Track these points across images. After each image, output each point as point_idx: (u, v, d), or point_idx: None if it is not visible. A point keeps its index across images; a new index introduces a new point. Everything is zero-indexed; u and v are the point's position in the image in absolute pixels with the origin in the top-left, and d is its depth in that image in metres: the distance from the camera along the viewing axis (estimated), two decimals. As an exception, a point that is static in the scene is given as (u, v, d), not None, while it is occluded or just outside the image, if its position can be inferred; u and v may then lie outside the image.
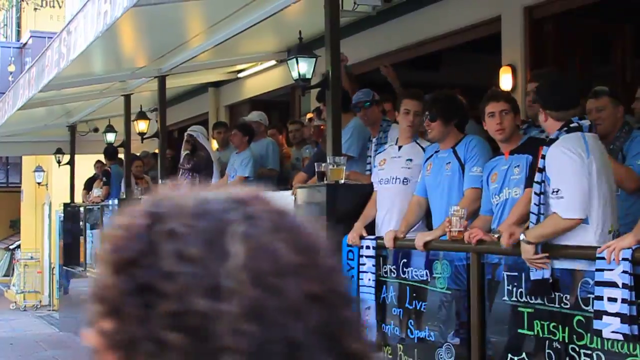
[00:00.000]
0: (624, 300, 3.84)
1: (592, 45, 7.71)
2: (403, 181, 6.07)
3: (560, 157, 4.35)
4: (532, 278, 4.40)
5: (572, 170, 4.29)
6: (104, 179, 13.57)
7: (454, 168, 5.56)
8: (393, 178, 6.13)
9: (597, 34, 7.83)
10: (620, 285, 3.85)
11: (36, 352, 13.63)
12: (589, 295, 4.12)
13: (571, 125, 4.49)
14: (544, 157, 4.42)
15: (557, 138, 4.44)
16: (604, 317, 3.92)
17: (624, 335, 3.84)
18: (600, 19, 7.71)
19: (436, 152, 5.72)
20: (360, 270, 6.03)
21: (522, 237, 4.34)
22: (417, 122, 6.06)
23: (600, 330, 3.95)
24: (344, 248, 6.23)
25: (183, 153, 10.56)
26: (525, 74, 7.03)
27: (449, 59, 9.41)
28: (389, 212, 6.11)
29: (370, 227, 6.17)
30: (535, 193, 4.45)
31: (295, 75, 7.11)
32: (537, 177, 4.45)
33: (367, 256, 5.98)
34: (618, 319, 3.86)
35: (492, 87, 5.93)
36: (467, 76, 8.56)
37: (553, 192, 4.33)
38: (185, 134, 10.51)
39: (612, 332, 3.89)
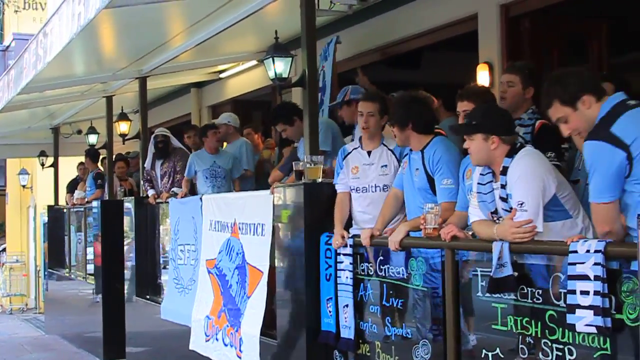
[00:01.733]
0: (596, 293, 3.85)
1: (568, 43, 7.73)
2: (383, 188, 6.08)
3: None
4: (494, 277, 4.42)
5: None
6: (99, 181, 13.53)
7: (420, 176, 5.57)
8: (371, 186, 6.13)
9: (574, 32, 7.85)
10: (592, 278, 3.86)
11: (21, 354, 13.62)
12: (560, 290, 4.14)
13: (517, 146, 4.67)
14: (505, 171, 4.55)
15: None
16: (577, 310, 3.92)
17: (597, 327, 3.84)
18: (576, 16, 7.73)
19: (410, 150, 5.73)
20: (338, 268, 6.05)
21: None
22: (372, 123, 6.08)
23: (574, 325, 3.95)
24: (322, 247, 6.26)
25: (151, 156, 10.52)
26: (501, 71, 7.05)
27: (428, 57, 9.42)
28: (367, 214, 6.12)
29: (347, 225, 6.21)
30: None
31: (271, 74, 7.14)
32: (502, 192, 4.58)
33: (344, 254, 6.00)
34: (591, 312, 3.86)
35: (469, 84, 5.92)
36: (445, 74, 8.57)
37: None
38: (156, 135, 10.48)
39: (586, 325, 3.89)
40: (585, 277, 3.90)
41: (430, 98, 6.67)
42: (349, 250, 5.97)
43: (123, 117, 12.59)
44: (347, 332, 5.99)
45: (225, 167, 9.60)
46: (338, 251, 6.05)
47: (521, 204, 4.40)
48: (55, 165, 16.59)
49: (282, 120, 7.64)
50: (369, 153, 6.17)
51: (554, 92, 4.22)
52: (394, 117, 5.70)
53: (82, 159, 14.77)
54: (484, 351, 4.65)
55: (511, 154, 4.60)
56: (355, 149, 6.27)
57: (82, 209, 13.90)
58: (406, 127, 5.62)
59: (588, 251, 3.90)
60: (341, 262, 6.03)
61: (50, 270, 16.40)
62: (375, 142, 6.18)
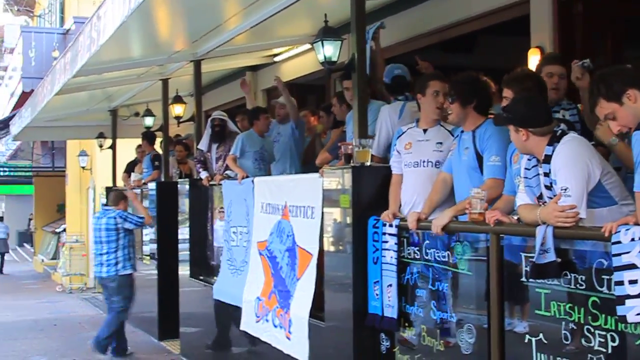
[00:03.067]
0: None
1: (623, 27, 7.60)
2: (435, 164, 6.09)
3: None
4: (537, 262, 4.42)
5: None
6: (156, 162, 13.70)
7: (470, 156, 5.59)
8: (424, 161, 6.14)
9: (629, 16, 7.72)
10: (640, 266, 3.84)
11: (79, 332, 13.88)
12: (603, 277, 4.12)
13: (557, 134, 4.63)
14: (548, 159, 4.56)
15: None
16: (627, 300, 3.90)
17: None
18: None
19: (461, 131, 5.74)
20: (383, 248, 6.07)
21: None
22: (443, 101, 6.10)
23: (625, 316, 3.93)
24: (369, 230, 6.28)
25: (207, 138, 10.62)
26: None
27: (481, 42, 9.36)
28: (418, 195, 6.12)
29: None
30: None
31: (321, 57, 7.17)
32: (545, 180, 4.59)
33: (389, 234, 6.03)
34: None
35: (515, 69, 5.89)
36: (498, 59, 8.49)
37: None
38: (213, 119, 10.58)
39: (637, 314, 3.88)
40: (632, 267, 3.88)
41: (489, 82, 6.64)
42: (394, 230, 5.99)
43: (178, 99, 12.73)
44: (391, 312, 6.02)
45: (270, 152, 9.72)
46: (384, 231, 6.07)
47: (565, 189, 4.39)
48: (113, 147, 16.83)
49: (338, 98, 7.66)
50: (424, 131, 6.20)
51: (598, 91, 4.27)
52: (457, 93, 5.70)
53: (139, 141, 14.95)
54: (527, 336, 4.65)
55: (553, 142, 4.58)
56: (411, 128, 6.31)
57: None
58: (469, 105, 5.65)
59: (633, 239, 3.88)
60: (386, 242, 6.06)
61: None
62: (432, 122, 6.21)
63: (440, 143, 6.10)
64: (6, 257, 31.66)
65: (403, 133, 6.34)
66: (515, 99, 4.93)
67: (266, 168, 9.66)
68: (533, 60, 7.15)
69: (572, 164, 4.45)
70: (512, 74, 5.41)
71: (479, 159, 5.54)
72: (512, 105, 4.85)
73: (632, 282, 3.88)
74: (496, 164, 5.40)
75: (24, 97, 20.62)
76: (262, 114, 9.81)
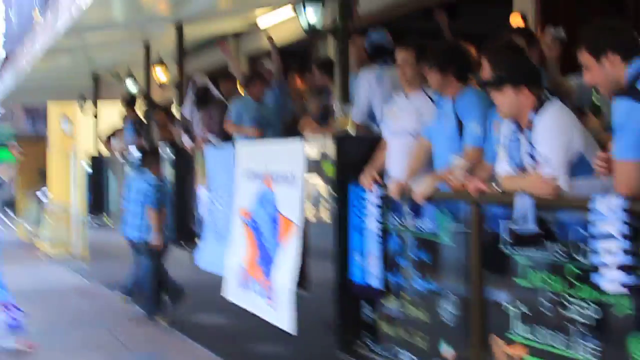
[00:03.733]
0: (622, 251, 3.82)
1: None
2: (414, 133, 6.06)
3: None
4: (517, 231, 4.42)
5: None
6: (139, 127, 13.61)
7: (450, 124, 5.57)
8: (404, 130, 6.13)
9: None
10: (617, 236, 3.83)
11: (64, 301, 13.82)
12: (581, 246, 4.12)
13: (543, 99, 4.62)
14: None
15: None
16: (602, 269, 3.91)
17: (624, 286, 3.82)
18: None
19: (440, 100, 5.72)
20: (366, 216, 6.06)
21: None
22: (408, 71, 6.08)
23: (599, 285, 3.94)
24: (350, 198, 6.26)
25: (190, 103, 10.56)
26: (536, 23, 6.96)
27: (463, 7, 9.29)
28: (399, 164, 6.11)
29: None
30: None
31: (302, 21, 7.10)
32: (528, 147, 4.56)
33: (372, 202, 6.01)
34: (617, 271, 3.84)
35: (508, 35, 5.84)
36: (481, 25, 8.45)
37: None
38: (194, 82, 10.51)
39: (612, 282, 3.88)
40: (609, 236, 3.88)
41: (468, 48, 6.61)
42: (377, 200, 5.98)
43: (160, 61, 12.62)
44: (374, 281, 6.02)
45: (268, 118, 9.65)
46: (366, 199, 6.06)
47: (546, 159, 4.38)
48: (95, 114, 16.72)
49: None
50: (407, 97, 6.19)
51: (585, 37, 4.21)
52: (435, 59, 5.67)
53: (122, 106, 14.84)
54: (507, 305, 4.65)
55: (537, 107, 4.56)
56: (399, 94, 6.29)
57: (122, 158, 13.99)
58: (447, 71, 5.61)
59: (610, 209, 3.87)
60: (369, 212, 6.04)
61: (93, 219, 16.61)
62: (415, 87, 6.17)
63: (421, 113, 6.06)
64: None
65: (392, 101, 6.33)
66: (513, 59, 4.88)
67: (264, 134, 9.59)
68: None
69: (554, 134, 4.44)
70: (491, 44, 5.38)
71: (460, 127, 5.51)
72: (512, 65, 4.79)
73: (608, 251, 3.88)
74: (476, 132, 5.38)
75: (6, 61, 20.46)
76: (258, 79, 9.73)
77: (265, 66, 10.66)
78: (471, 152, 5.33)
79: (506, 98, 4.70)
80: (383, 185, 6.03)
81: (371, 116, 7.02)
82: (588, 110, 5.64)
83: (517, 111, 4.67)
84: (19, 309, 9.88)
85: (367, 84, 6.94)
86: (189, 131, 10.56)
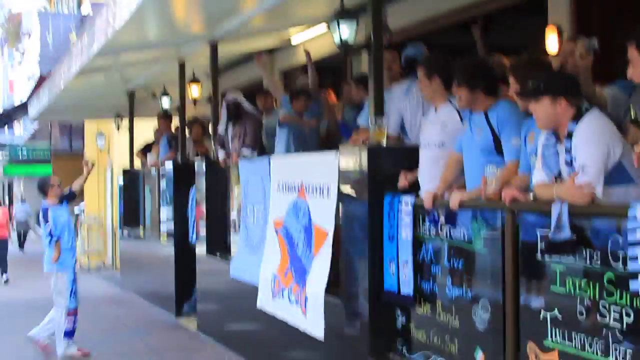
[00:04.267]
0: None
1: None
2: (439, 145, 6.14)
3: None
4: (552, 238, 4.45)
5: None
6: (173, 143, 13.75)
7: (485, 135, 5.60)
8: (431, 142, 6.21)
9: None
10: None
11: (97, 310, 13.95)
12: (617, 253, 4.14)
13: (582, 109, 4.62)
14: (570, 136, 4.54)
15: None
16: (640, 276, 3.94)
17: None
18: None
19: (470, 112, 5.77)
20: (399, 225, 6.11)
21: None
22: (423, 86, 6.33)
23: (638, 291, 3.96)
24: (385, 207, 6.32)
25: (225, 120, 10.69)
26: (571, 34, 6.98)
27: (498, 21, 9.32)
28: (427, 174, 6.19)
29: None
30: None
31: (337, 38, 7.18)
32: (567, 156, 4.58)
33: (405, 211, 6.07)
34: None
35: (533, 52, 5.91)
36: (516, 38, 8.48)
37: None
38: (227, 98, 10.63)
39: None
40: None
41: (502, 62, 6.66)
42: (410, 208, 6.04)
43: (194, 80, 12.76)
44: (406, 288, 6.07)
45: (308, 134, 9.82)
46: (400, 209, 6.12)
47: (583, 167, 4.41)
48: (130, 128, 16.91)
49: None
50: (436, 110, 6.29)
51: (636, 35, 4.29)
52: (463, 77, 5.73)
53: (156, 122, 14.99)
54: (542, 312, 4.67)
55: (577, 118, 4.59)
56: (431, 108, 6.40)
57: (156, 171, 14.15)
58: (476, 88, 5.67)
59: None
60: (402, 220, 6.10)
61: (126, 230, 16.79)
62: (440, 99, 6.26)
63: (446, 125, 6.13)
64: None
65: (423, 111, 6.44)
66: (550, 72, 4.92)
67: (302, 148, 9.69)
68: (550, 39, 7.14)
69: (592, 142, 4.46)
70: (516, 62, 5.45)
71: (495, 138, 5.55)
72: (547, 76, 4.84)
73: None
74: (517, 146, 5.42)
75: (42, 80, 20.74)
76: (302, 96, 9.88)
77: (300, 81, 10.77)
78: (514, 167, 5.37)
79: (544, 109, 4.74)
80: (416, 195, 6.09)
81: (403, 129, 7.11)
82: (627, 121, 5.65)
83: (555, 121, 4.70)
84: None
85: (397, 97, 7.03)
86: (223, 146, 10.68)
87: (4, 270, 19.41)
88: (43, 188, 10.39)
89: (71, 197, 10.98)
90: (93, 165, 11.86)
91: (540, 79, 4.80)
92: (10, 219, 29.41)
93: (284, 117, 9.81)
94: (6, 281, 19.15)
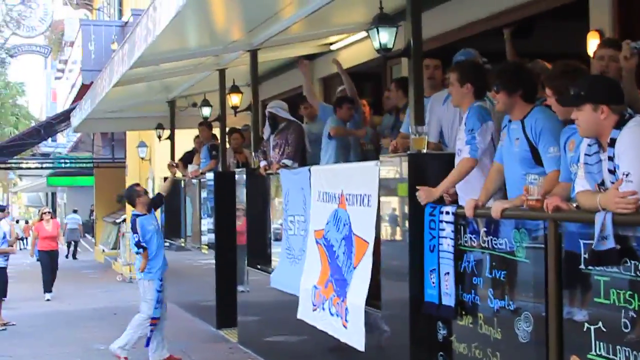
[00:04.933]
0: None
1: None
2: (458, 152, 6.22)
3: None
4: (596, 249, 4.35)
5: None
6: (214, 152, 13.77)
7: (522, 145, 5.55)
8: (456, 150, 6.32)
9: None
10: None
11: (139, 321, 14.00)
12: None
13: (625, 117, 4.50)
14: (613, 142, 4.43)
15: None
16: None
17: None
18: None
19: (509, 121, 5.72)
20: (440, 236, 6.03)
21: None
22: (436, 75, 6.72)
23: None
24: (426, 218, 6.24)
25: (267, 129, 10.72)
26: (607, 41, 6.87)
27: (539, 26, 9.21)
28: (462, 183, 6.22)
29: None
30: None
31: (376, 44, 7.14)
32: (609, 164, 4.48)
33: (446, 222, 5.99)
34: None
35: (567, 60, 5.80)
36: (557, 44, 8.38)
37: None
38: (267, 109, 10.66)
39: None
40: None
41: (545, 67, 6.57)
42: (451, 218, 5.96)
43: (234, 89, 12.79)
44: (448, 300, 5.99)
45: (353, 143, 9.78)
46: (440, 219, 6.04)
47: (627, 175, 4.30)
48: (171, 137, 16.98)
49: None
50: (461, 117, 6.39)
51: None
52: (502, 82, 5.68)
53: (197, 131, 15.03)
54: (586, 324, 4.57)
55: (619, 125, 4.49)
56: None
57: (197, 181, 14.18)
58: (515, 93, 5.62)
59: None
60: (443, 230, 6.03)
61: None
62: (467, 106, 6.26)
63: (470, 129, 6.12)
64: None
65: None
66: (590, 77, 4.82)
67: (348, 156, 9.63)
68: (593, 43, 7.03)
69: (636, 149, 4.35)
70: (551, 71, 5.38)
71: (532, 149, 5.48)
72: (588, 83, 4.73)
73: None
74: (556, 155, 5.34)
75: (84, 89, 20.91)
76: (345, 104, 9.84)
77: (340, 89, 10.74)
78: (555, 176, 5.29)
79: (585, 116, 4.63)
80: (458, 205, 6.02)
81: (443, 138, 7.06)
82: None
83: (597, 129, 4.59)
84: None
85: (436, 106, 6.99)
86: (266, 156, 10.67)
87: (48, 289, 18.84)
88: (130, 198, 10.51)
89: (159, 203, 11.06)
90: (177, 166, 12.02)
91: (582, 86, 4.70)
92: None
93: (336, 131, 9.73)
94: (48, 300, 18.50)
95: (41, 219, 19.54)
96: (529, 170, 5.48)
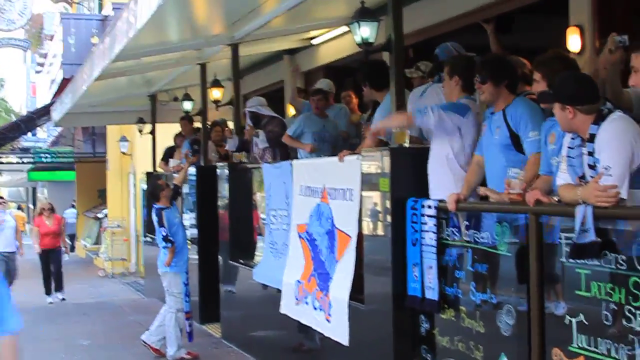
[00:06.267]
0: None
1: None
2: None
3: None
4: (577, 242, 4.38)
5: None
6: (195, 147, 13.74)
7: (502, 133, 5.63)
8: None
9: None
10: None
11: (121, 316, 14.02)
12: (644, 256, 4.08)
13: (604, 112, 4.53)
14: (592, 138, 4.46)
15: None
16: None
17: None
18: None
19: (491, 113, 5.77)
20: (422, 229, 6.06)
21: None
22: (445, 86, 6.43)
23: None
24: (408, 212, 6.27)
25: (247, 133, 10.74)
26: (593, 35, 6.92)
27: (519, 21, 9.24)
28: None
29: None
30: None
31: (358, 39, 7.16)
32: (589, 159, 4.52)
33: (428, 216, 6.02)
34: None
35: (558, 48, 5.85)
36: (537, 38, 8.40)
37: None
38: (245, 111, 10.66)
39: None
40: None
41: (521, 61, 6.61)
42: (433, 212, 5.99)
43: (216, 83, 12.77)
44: (431, 293, 6.02)
45: (332, 133, 9.71)
46: (422, 212, 6.07)
47: (607, 169, 4.34)
48: (152, 132, 16.94)
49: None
50: None
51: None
52: (490, 72, 5.74)
53: (178, 126, 14.98)
54: (567, 317, 4.61)
55: (598, 120, 4.52)
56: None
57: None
58: (501, 84, 5.70)
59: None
60: (425, 224, 6.05)
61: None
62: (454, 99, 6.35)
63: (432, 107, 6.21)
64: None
65: None
66: (562, 75, 4.85)
67: (328, 148, 9.62)
68: (573, 39, 7.08)
69: (616, 143, 4.39)
70: (542, 57, 5.39)
71: (513, 136, 5.55)
72: (560, 82, 4.77)
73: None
74: (535, 139, 5.42)
75: (65, 83, 20.85)
76: (320, 94, 9.89)
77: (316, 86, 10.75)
78: (536, 159, 5.35)
79: (557, 114, 4.70)
80: (440, 199, 6.04)
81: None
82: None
83: (570, 126, 4.64)
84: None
85: (414, 100, 7.01)
86: (247, 150, 10.68)
87: (59, 287, 17.61)
88: (154, 192, 10.49)
89: (177, 194, 11.05)
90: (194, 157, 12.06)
91: (555, 84, 4.75)
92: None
93: (286, 140, 9.87)
94: (63, 299, 17.40)
95: (41, 214, 17.95)
96: (510, 158, 5.55)
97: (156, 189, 10.42)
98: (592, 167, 4.51)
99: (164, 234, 10.04)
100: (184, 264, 10.21)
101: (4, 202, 16.95)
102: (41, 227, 17.44)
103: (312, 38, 12.38)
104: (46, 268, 17.44)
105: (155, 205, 10.37)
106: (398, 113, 6.38)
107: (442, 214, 5.95)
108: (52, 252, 17.38)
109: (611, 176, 4.31)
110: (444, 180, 6.12)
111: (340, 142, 9.71)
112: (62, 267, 17.90)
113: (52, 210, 17.95)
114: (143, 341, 10.24)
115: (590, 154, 4.52)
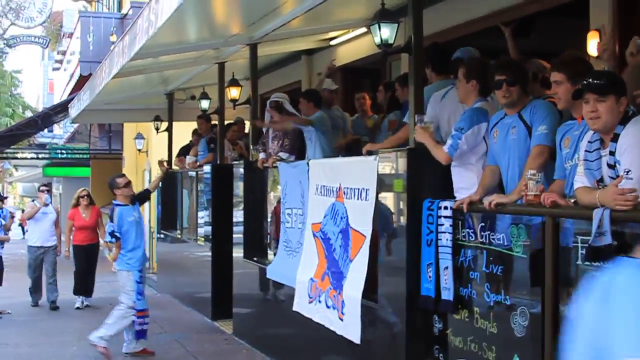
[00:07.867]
0: None
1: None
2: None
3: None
4: (593, 245, 4.38)
5: None
6: (212, 145, 13.77)
7: (519, 131, 5.66)
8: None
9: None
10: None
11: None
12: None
13: (629, 114, 4.54)
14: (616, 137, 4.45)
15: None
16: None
17: None
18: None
19: (501, 118, 5.79)
20: (439, 231, 6.07)
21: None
22: (459, 87, 6.45)
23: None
24: (424, 212, 6.28)
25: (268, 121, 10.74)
26: (613, 37, 6.90)
27: (539, 25, 9.24)
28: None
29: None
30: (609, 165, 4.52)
31: (377, 40, 7.16)
32: (610, 159, 4.50)
33: (445, 217, 6.03)
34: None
35: (578, 52, 5.86)
36: (556, 42, 8.39)
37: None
38: (270, 101, 10.65)
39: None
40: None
41: (542, 65, 6.63)
42: (449, 213, 6.00)
43: (234, 82, 12.80)
44: (447, 294, 6.02)
45: (335, 123, 9.96)
46: (439, 214, 6.08)
47: (627, 172, 4.34)
48: (169, 129, 16.99)
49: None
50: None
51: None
52: (517, 77, 5.75)
53: (195, 124, 15.02)
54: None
55: (624, 121, 4.52)
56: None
57: (194, 173, 14.20)
58: (526, 87, 5.79)
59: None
60: (442, 225, 6.07)
61: (163, 232, 16.86)
62: (471, 103, 6.38)
63: (460, 128, 6.21)
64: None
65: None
66: (607, 71, 4.83)
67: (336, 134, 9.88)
68: (592, 43, 7.07)
69: (637, 147, 4.39)
70: (562, 57, 5.37)
71: (529, 129, 5.62)
72: (608, 75, 4.74)
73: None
74: (543, 132, 5.46)
75: (82, 80, 20.92)
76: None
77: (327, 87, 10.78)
78: (538, 150, 5.43)
79: (608, 107, 4.56)
80: (455, 200, 6.06)
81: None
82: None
83: (614, 122, 4.57)
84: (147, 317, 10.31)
85: (433, 100, 7.01)
86: (264, 147, 10.70)
87: (78, 292, 15.17)
88: (111, 187, 10.51)
89: (145, 197, 11.10)
90: (169, 166, 12.04)
91: (604, 77, 4.67)
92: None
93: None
94: (77, 308, 14.92)
95: (77, 204, 15.27)
96: (526, 153, 5.57)
97: (113, 184, 10.46)
98: (612, 166, 4.50)
99: (111, 229, 10.14)
100: (136, 262, 10.25)
101: (48, 190, 15.82)
102: (76, 219, 15.06)
103: (331, 39, 12.40)
104: (88, 266, 15.33)
105: (113, 201, 10.46)
106: (435, 148, 6.33)
107: (459, 215, 5.96)
108: (88, 247, 15.31)
109: (631, 179, 4.31)
110: (469, 184, 6.13)
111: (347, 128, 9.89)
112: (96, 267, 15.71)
113: (90, 200, 15.59)
114: (91, 340, 10.21)
115: (612, 153, 4.51)
